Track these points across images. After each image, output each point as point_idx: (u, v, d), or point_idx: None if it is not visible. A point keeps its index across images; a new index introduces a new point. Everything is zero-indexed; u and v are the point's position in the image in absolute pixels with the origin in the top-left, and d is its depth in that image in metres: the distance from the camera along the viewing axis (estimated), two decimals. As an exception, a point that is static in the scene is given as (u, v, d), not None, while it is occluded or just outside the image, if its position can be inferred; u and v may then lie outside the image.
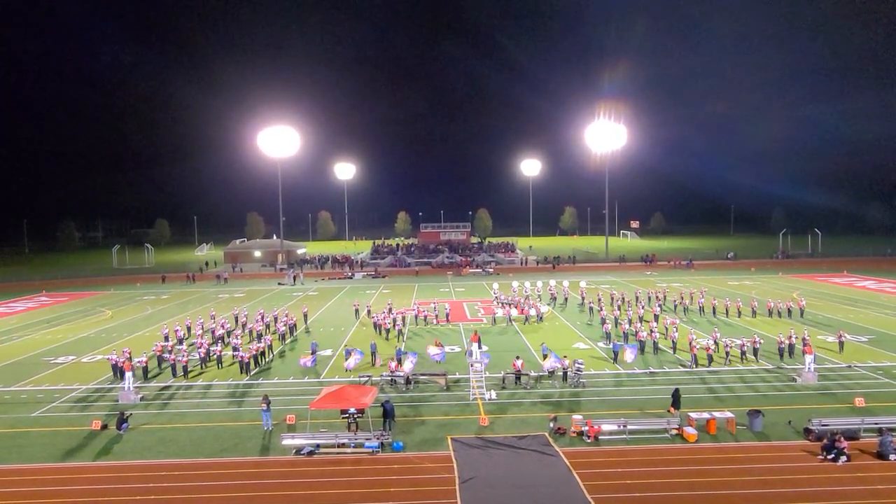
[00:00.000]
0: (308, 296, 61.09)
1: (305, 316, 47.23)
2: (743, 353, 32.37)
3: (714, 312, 45.72)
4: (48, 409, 26.74)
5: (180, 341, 38.73)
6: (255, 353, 33.82)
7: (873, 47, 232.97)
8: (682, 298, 49.10)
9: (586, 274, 77.07)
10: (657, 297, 50.27)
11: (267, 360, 34.98)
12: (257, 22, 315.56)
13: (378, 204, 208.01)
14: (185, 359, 32.19)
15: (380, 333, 40.40)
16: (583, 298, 51.60)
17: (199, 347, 34.67)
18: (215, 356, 33.77)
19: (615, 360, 32.59)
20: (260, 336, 38.21)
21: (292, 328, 42.21)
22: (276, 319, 44.09)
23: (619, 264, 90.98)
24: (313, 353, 33.24)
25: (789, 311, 44.04)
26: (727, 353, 32.13)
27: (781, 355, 32.62)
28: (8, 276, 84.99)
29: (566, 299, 52.88)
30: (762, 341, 33.38)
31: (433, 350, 31.80)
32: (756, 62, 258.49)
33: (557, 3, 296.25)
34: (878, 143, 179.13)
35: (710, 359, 31.42)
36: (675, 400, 24.46)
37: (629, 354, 30.76)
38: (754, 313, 44.98)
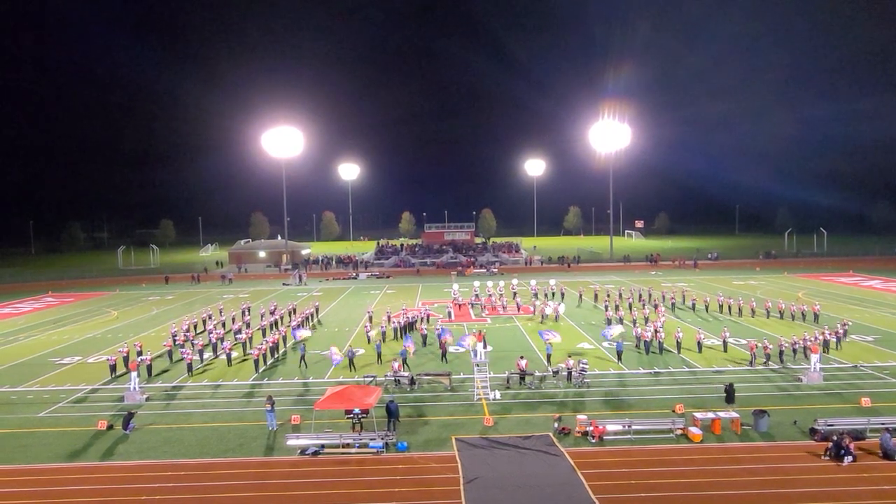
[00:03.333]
0: (313, 296, 61.14)
1: (317, 310, 49.19)
2: (794, 351, 32.01)
3: (729, 311, 45.83)
4: (54, 410, 26.87)
5: (183, 339, 39.49)
6: (271, 344, 35.16)
7: (879, 48, 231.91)
8: (676, 297, 49.26)
9: (592, 274, 76.98)
10: (666, 297, 50.51)
11: (281, 352, 36.25)
12: (262, 22, 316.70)
13: (382, 204, 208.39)
14: (189, 356, 32.76)
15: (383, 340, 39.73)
16: (562, 295, 54.66)
17: (218, 340, 36.48)
18: (224, 353, 34.28)
19: (619, 359, 32.56)
20: (264, 332, 39.71)
21: (305, 321, 44.35)
22: (289, 314, 46.61)
23: (623, 264, 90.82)
24: (302, 357, 33.44)
25: (803, 315, 42.58)
26: (781, 352, 32.00)
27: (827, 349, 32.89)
28: (14, 277, 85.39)
29: (545, 295, 54.63)
30: (812, 339, 33.10)
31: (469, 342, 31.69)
32: (761, 62, 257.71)
33: (561, 3, 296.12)
34: (884, 143, 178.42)
35: (768, 357, 31.28)
36: (729, 395, 24.45)
37: (615, 329, 33.25)
38: (768, 314, 44.64)
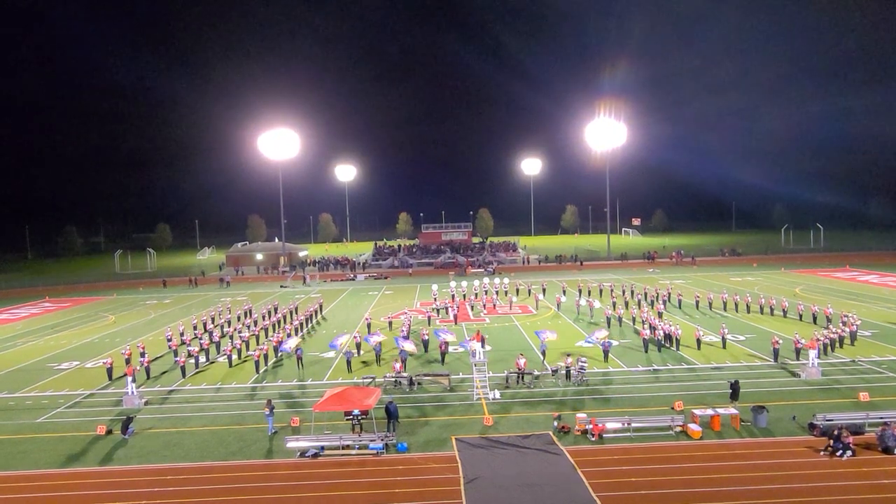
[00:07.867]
0: (311, 297, 61.02)
1: (321, 307, 50.53)
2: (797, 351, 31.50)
3: (736, 308, 46.01)
4: (53, 415, 26.80)
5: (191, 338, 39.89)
6: (274, 344, 35.68)
7: (873, 45, 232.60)
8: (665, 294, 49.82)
9: (590, 272, 77.01)
10: (659, 295, 50.53)
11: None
12: (257, 24, 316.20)
13: (379, 205, 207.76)
14: (192, 351, 33.47)
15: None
16: (588, 292, 54.22)
17: (222, 337, 37.53)
18: (225, 355, 34.39)
19: (605, 358, 32.40)
20: (266, 332, 40.38)
21: (309, 318, 45.72)
22: (292, 314, 47.41)
23: (621, 262, 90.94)
24: (299, 358, 32.99)
25: (814, 317, 41.13)
26: (831, 344, 32.15)
27: (833, 348, 32.77)
28: (11, 283, 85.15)
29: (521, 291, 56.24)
30: (821, 337, 33.04)
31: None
32: (756, 59, 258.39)
33: (557, 1, 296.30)
34: (879, 139, 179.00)
35: (798, 352, 31.09)
36: (734, 392, 24.52)
37: (601, 332, 32.76)
38: (772, 311, 44.50)
